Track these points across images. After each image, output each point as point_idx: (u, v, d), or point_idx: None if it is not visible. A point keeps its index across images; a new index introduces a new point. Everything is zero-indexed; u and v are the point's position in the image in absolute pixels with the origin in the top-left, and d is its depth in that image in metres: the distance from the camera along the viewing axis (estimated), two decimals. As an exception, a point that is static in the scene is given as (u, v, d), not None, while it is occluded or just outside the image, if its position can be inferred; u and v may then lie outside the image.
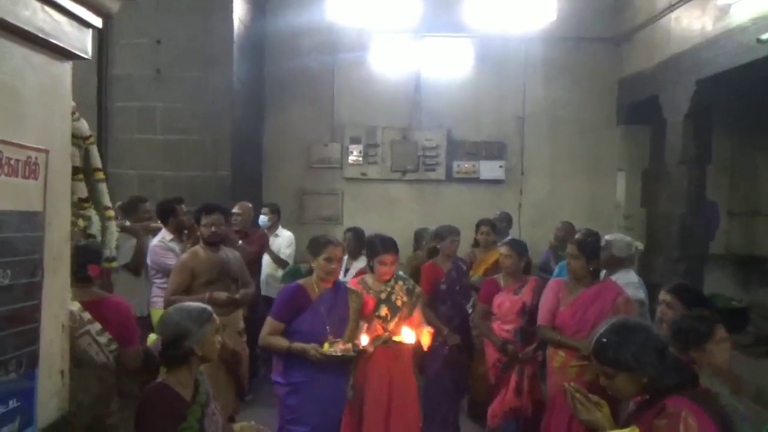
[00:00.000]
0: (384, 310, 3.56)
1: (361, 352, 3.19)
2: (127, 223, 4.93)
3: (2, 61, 1.92)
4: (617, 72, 7.11)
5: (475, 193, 7.26)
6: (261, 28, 7.14)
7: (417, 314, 3.66)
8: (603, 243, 4.53)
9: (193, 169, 6.20)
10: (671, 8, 5.82)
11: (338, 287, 3.36)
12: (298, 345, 3.11)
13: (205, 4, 6.11)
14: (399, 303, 3.58)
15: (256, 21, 6.95)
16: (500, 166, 7.24)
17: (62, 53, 2.18)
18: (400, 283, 3.64)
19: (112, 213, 4.81)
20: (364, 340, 3.20)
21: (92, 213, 4.50)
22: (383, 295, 3.57)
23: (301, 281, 3.32)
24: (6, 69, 1.93)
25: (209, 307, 2.33)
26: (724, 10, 4.94)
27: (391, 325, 3.52)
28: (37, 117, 2.08)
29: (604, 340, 1.99)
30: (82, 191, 4.61)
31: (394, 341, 3.48)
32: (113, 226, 4.72)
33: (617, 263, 4.05)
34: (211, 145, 6.24)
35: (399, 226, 6.91)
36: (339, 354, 3.09)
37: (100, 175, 4.83)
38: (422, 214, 7.17)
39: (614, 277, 3.89)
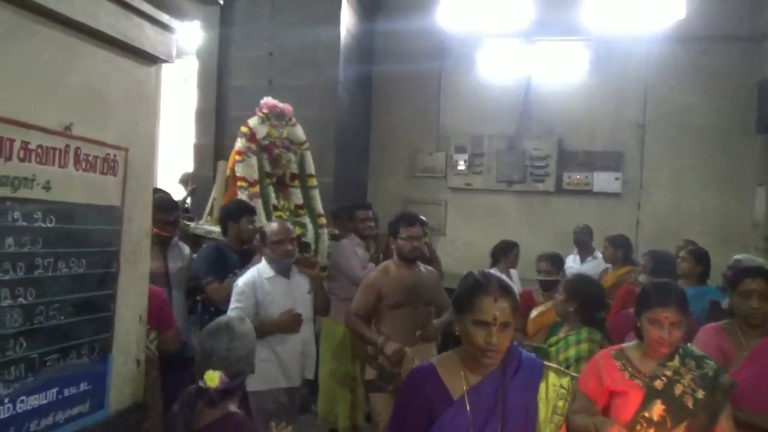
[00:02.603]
0: (657, 410, 2.03)
1: None
2: (337, 231, 4.79)
3: (87, 65, 2.06)
4: (757, 74, 6.28)
5: (588, 207, 6.77)
6: (369, 36, 7.24)
7: (725, 426, 2.06)
8: (731, 262, 4.03)
9: (298, 176, 6.40)
10: (826, -2, 5.05)
11: (516, 364, 1.74)
12: None
13: (315, 15, 6.31)
14: (689, 402, 2.03)
15: (364, 29, 7.06)
16: (616, 178, 6.68)
17: (146, 57, 2.31)
18: (691, 363, 2.11)
19: (324, 220, 4.80)
20: None
21: (307, 220, 4.56)
22: (658, 383, 2.06)
23: (436, 359, 1.81)
24: (90, 72, 2.07)
25: (246, 319, 2.15)
26: None
27: None
28: (120, 117, 2.21)
29: None
30: (298, 198, 4.67)
31: None
32: (325, 234, 4.72)
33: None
34: (315, 151, 6.40)
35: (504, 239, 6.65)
36: None
37: (313, 181, 4.88)
38: (529, 228, 6.83)
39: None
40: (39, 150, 1.84)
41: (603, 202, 6.78)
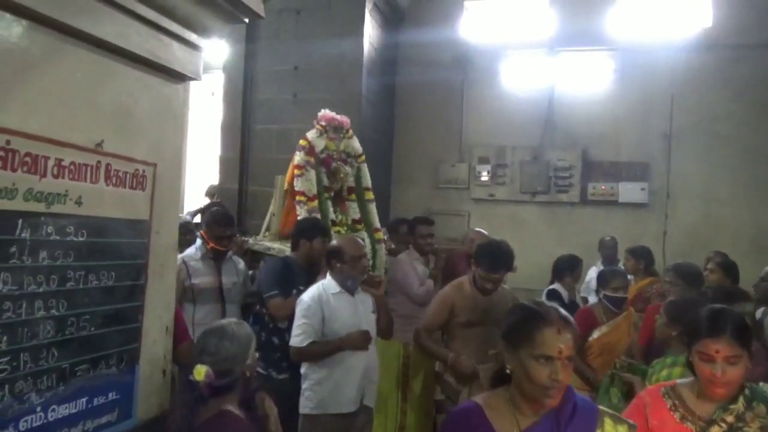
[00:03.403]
0: None
1: None
2: (393, 246, 4.69)
3: (117, 83, 2.13)
4: (788, 81, 6.18)
5: (613, 218, 6.68)
6: (391, 48, 7.30)
7: None
8: (763, 273, 3.95)
9: (323, 187, 6.45)
10: None
11: (572, 407, 1.56)
12: None
13: (338, 29, 6.40)
14: None
15: (387, 41, 7.12)
16: (642, 189, 6.59)
17: (174, 75, 2.38)
18: (760, 407, 1.80)
19: (381, 235, 4.62)
20: None
21: (364, 235, 4.37)
22: (716, 430, 1.81)
23: (481, 398, 1.64)
24: (120, 90, 2.15)
25: (245, 323, 2.15)
26: None
27: None
28: (148, 133, 2.28)
29: None
30: (355, 212, 4.53)
31: None
32: (382, 249, 4.54)
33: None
34: (339, 164, 6.45)
35: (528, 251, 6.60)
36: None
37: (370, 194, 4.71)
38: (553, 239, 6.77)
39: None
40: (72, 167, 1.91)
41: (629, 213, 6.69)
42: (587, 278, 5.46)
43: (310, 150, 4.09)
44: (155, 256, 2.33)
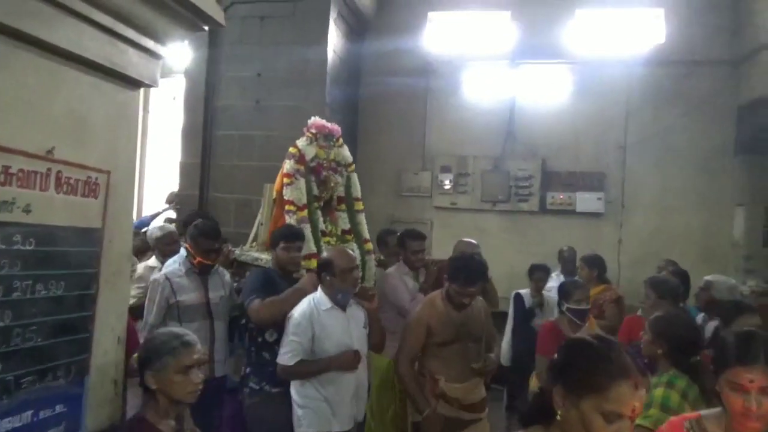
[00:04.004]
0: None
1: None
2: (382, 257, 4.58)
3: (70, 89, 2.09)
4: (735, 97, 6.45)
5: (571, 226, 6.84)
6: (356, 58, 7.34)
7: None
8: (702, 284, 4.10)
9: (285, 195, 6.42)
10: (799, 26, 5.20)
11: None
12: None
13: (302, 37, 6.39)
14: None
15: (351, 51, 7.15)
16: (599, 198, 6.78)
17: (130, 82, 2.35)
18: None
19: (370, 246, 4.47)
20: None
21: (354, 246, 4.21)
22: None
23: None
24: (74, 96, 2.11)
25: (188, 334, 1.93)
26: None
27: None
28: (102, 140, 2.25)
29: None
30: (345, 222, 4.37)
31: None
32: (372, 261, 4.38)
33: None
34: (302, 171, 6.43)
35: (489, 258, 6.67)
36: None
37: (360, 205, 4.53)
38: (513, 247, 6.89)
39: (713, 324, 3.45)
40: (20, 174, 1.87)
41: (585, 222, 6.86)
42: (546, 286, 5.57)
43: (300, 158, 3.95)
44: (108, 265, 2.29)
